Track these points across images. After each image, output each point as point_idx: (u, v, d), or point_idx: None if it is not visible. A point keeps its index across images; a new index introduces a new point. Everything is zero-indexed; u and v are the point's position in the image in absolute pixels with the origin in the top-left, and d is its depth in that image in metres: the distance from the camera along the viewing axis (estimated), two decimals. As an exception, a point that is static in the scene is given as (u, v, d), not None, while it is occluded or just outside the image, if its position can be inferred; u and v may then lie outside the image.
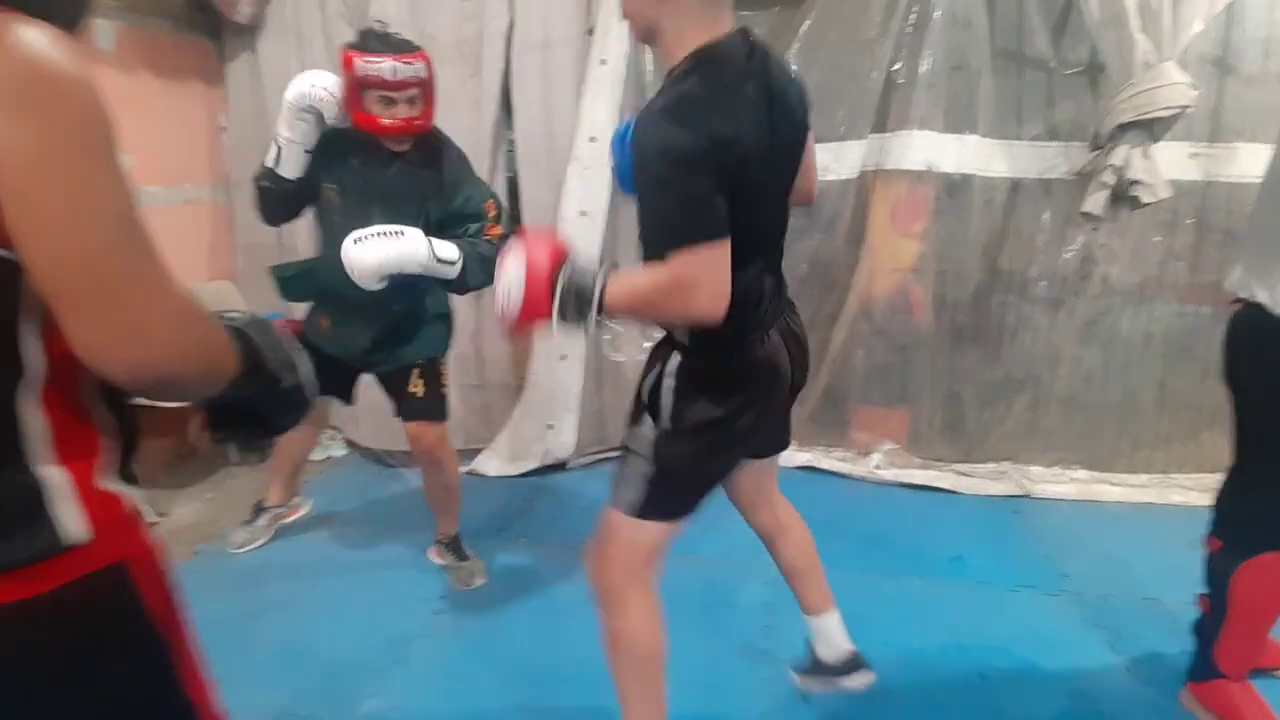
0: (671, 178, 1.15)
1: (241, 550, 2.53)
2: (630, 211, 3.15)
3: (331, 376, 2.06)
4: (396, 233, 1.90)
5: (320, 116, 1.98)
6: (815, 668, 1.74)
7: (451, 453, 2.36)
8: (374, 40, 1.98)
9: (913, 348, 3.11)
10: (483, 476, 3.12)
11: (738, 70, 1.21)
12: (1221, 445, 1.72)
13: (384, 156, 2.05)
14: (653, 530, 1.38)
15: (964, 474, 3.05)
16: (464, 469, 3.20)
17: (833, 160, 3.00)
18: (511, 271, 1.23)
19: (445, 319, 2.31)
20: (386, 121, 1.96)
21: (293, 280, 2.20)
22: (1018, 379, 3.10)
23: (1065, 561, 2.47)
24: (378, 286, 1.91)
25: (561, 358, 3.05)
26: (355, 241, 1.88)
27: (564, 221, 2.95)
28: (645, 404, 1.37)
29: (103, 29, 2.79)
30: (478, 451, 3.21)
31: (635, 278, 1.25)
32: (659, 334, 1.46)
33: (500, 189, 3.22)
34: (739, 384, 1.34)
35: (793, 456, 3.21)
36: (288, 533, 2.65)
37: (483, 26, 3.00)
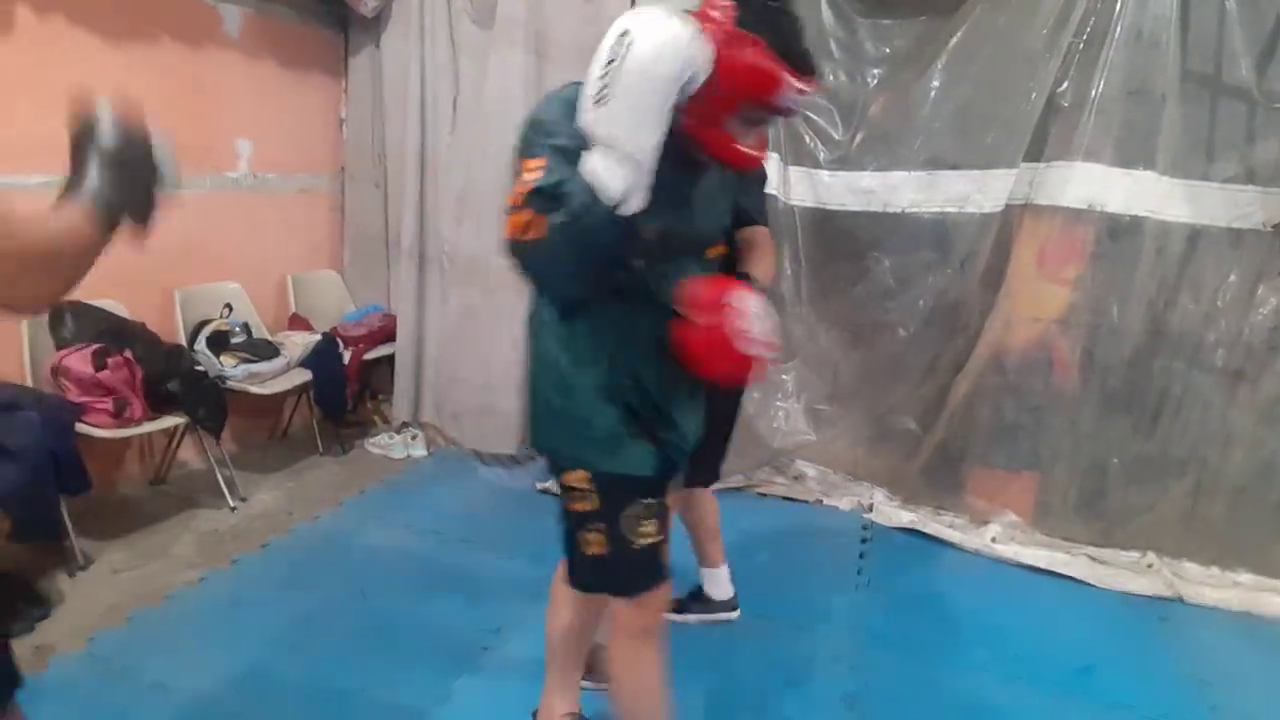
0: None
1: None
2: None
3: None
4: None
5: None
6: (699, 602, 2.09)
7: None
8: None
9: (1049, 409, 2.71)
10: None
11: None
12: None
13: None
14: None
15: (1100, 561, 2.62)
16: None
17: (975, 190, 2.66)
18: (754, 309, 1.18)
19: None
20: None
21: None
22: (1178, 458, 2.64)
23: (1216, 690, 2.03)
24: None
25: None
26: None
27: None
28: None
29: (229, 14, 2.84)
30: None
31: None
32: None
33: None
34: None
35: (894, 515, 2.88)
36: (359, 529, 2.60)
37: (601, 31, 2.85)
